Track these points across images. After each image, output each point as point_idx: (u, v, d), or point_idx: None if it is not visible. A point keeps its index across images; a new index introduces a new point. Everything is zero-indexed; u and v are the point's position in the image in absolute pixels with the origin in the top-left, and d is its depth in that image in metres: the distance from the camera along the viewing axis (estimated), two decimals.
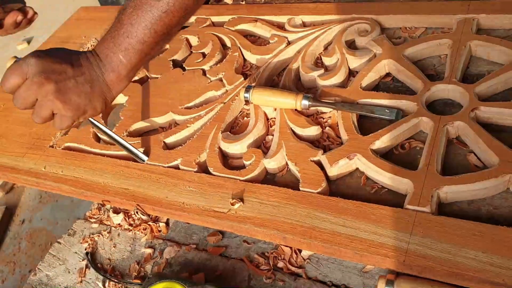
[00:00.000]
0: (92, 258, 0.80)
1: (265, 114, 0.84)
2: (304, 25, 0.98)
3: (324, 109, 0.81)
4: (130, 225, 0.82)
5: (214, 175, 0.76)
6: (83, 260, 0.80)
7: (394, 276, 0.60)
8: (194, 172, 0.78)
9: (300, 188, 0.70)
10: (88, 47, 1.17)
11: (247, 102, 0.85)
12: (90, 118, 0.74)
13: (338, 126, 0.77)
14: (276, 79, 0.92)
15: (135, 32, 0.67)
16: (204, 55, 0.99)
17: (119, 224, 0.83)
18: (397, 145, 0.73)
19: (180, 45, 1.03)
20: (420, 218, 0.61)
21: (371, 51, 0.85)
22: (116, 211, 0.84)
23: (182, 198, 0.74)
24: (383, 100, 0.77)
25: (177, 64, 1.02)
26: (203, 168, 0.79)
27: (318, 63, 0.91)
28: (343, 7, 0.94)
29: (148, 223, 0.80)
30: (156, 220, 0.81)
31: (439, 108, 0.76)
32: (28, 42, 2.97)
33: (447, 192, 0.64)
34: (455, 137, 0.71)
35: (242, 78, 0.89)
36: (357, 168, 0.72)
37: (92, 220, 0.86)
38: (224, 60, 0.96)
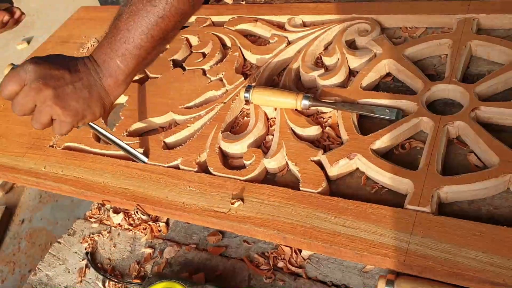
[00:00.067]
0: (92, 258, 0.80)
1: (265, 114, 0.84)
2: (304, 25, 0.97)
3: (324, 109, 0.81)
4: (130, 225, 0.82)
5: (214, 175, 0.76)
6: (83, 260, 0.80)
7: (394, 276, 0.60)
8: (194, 172, 0.78)
9: (300, 188, 0.70)
10: (88, 47, 1.17)
11: (247, 102, 0.85)
12: (89, 123, 0.74)
13: (338, 126, 0.77)
14: (276, 79, 0.92)
15: (132, 38, 0.67)
16: (204, 55, 0.99)
17: (119, 224, 0.83)
18: (398, 145, 0.73)
19: (180, 45, 1.03)
20: (421, 218, 0.61)
21: (371, 51, 0.85)
22: (116, 211, 0.84)
23: (182, 198, 0.74)
24: (383, 100, 0.77)
25: (177, 64, 1.02)
26: (203, 168, 0.79)
27: (318, 63, 0.91)
28: (343, 7, 0.94)
29: (148, 223, 0.80)
30: (156, 220, 0.81)
31: (440, 108, 0.76)
32: (28, 42, 2.97)
33: (448, 192, 0.64)
34: (455, 137, 0.71)
35: (242, 78, 0.89)
36: (357, 168, 0.72)
37: (92, 220, 0.86)
38: (224, 60, 0.96)
